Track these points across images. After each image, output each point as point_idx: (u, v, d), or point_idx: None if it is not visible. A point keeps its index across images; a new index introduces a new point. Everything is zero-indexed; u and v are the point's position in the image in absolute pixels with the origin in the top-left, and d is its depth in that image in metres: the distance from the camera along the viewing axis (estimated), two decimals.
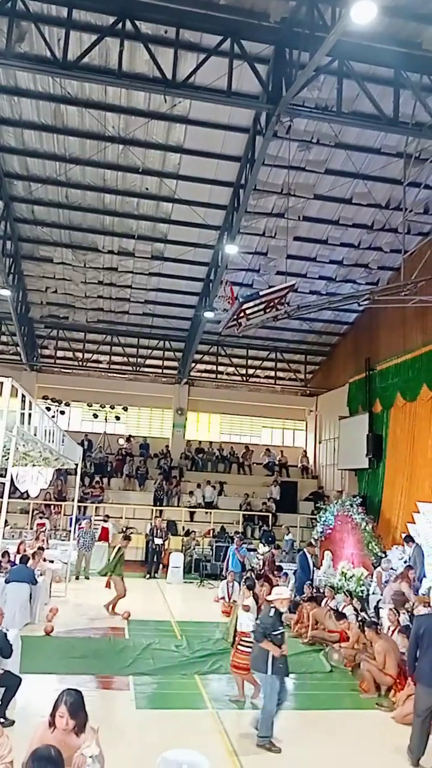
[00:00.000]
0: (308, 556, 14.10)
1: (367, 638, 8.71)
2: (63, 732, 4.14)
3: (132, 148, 13.32)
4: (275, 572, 13.57)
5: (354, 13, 7.62)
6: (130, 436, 23.60)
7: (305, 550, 14.25)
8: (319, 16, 8.76)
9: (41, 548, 13.33)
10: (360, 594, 12.00)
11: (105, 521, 18.61)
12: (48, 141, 13.47)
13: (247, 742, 6.45)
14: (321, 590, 12.57)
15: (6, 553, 11.92)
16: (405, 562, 12.34)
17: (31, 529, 18.03)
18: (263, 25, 10.14)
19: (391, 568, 12.33)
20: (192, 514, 20.94)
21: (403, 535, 13.55)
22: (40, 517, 18.74)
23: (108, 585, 12.85)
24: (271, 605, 6.89)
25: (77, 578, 15.69)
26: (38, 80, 11.87)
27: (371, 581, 12.25)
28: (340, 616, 10.39)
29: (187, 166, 13.85)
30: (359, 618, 10.17)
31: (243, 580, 13.38)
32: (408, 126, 11.07)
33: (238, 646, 7.71)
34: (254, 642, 6.90)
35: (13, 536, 16.51)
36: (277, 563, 14.96)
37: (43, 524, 18.11)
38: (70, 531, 16.69)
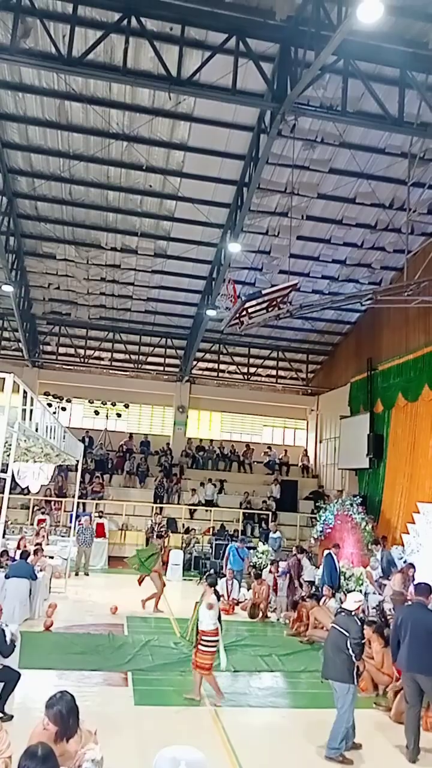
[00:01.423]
0: (335, 558, 13.14)
1: (366, 637, 8.70)
2: (51, 734, 4.12)
3: (136, 145, 13.32)
4: (300, 579, 13.07)
5: (360, 12, 7.60)
6: (131, 434, 23.62)
7: (332, 551, 13.28)
8: (326, 15, 8.74)
9: (40, 545, 13.37)
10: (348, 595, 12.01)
11: (100, 517, 18.65)
12: (52, 137, 13.47)
13: (244, 739, 6.47)
14: (320, 589, 12.60)
15: (5, 552, 11.94)
16: (404, 561, 12.37)
17: (32, 525, 18.06)
18: (269, 24, 10.12)
19: (382, 568, 12.36)
20: (192, 511, 20.97)
21: (381, 537, 13.69)
22: (41, 513, 18.78)
23: (141, 582, 12.85)
24: (352, 613, 6.71)
25: (77, 574, 15.72)
26: (43, 76, 11.86)
27: None
28: None
29: (191, 164, 13.84)
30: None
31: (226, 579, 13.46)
32: (413, 126, 11.05)
33: (200, 646, 7.49)
34: (330, 649, 6.53)
35: (13, 532, 16.54)
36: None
37: (44, 520, 18.15)
38: (70, 527, 16.73)
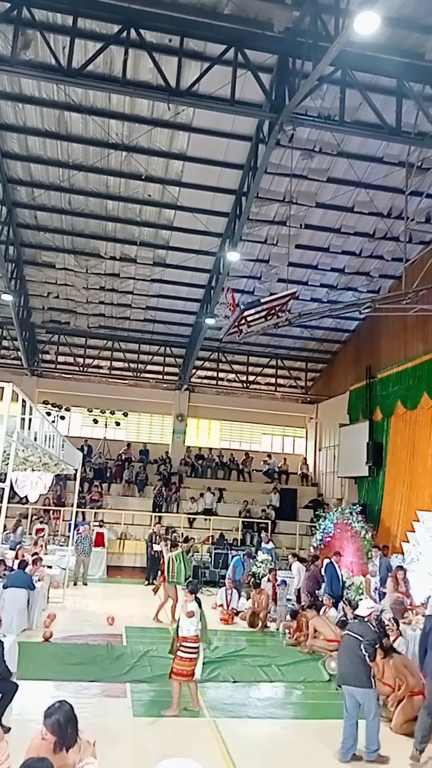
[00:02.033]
0: (336, 566, 13.06)
1: None
2: (50, 744, 4.09)
3: (135, 155, 13.39)
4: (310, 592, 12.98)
5: (357, 23, 7.66)
6: (129, 443, 23.58)
7: (333, 560, 13.20)
8: (323, 27, 8.82)
9: (38, 554, 13.30)
10: (358, 603, 11.94)
11: (100, 526, 18.58)
12: (52, 147, 13.54)
13: (244, 751, 6.41)
14: (320, 598, 12.54)
15: (2, 562, 11.89)
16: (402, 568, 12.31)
17: (30, 534, 17.97)
18: (267, 35, 10.21)
19: (380, 577, 12.32)
20: (192, 520, 20.90)
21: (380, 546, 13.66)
22: (40, 522, 18.70)
23: (156, 591, 12.78)
24: (365, 619, 6.80)
25: (75, 584, 15.64)
26: (43, 87, 11.94)
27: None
28: (344, 625, 10.30)
29: (190, 174, 13.91)
30: None
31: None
32: (410, 135, 11.13)
33: (179, 652, 7.42)
34: (346, 656, 6.59)
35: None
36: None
37: (42, 529, 18.07)
38: (68, 536, 16.66)
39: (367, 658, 6.42)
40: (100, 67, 10.92)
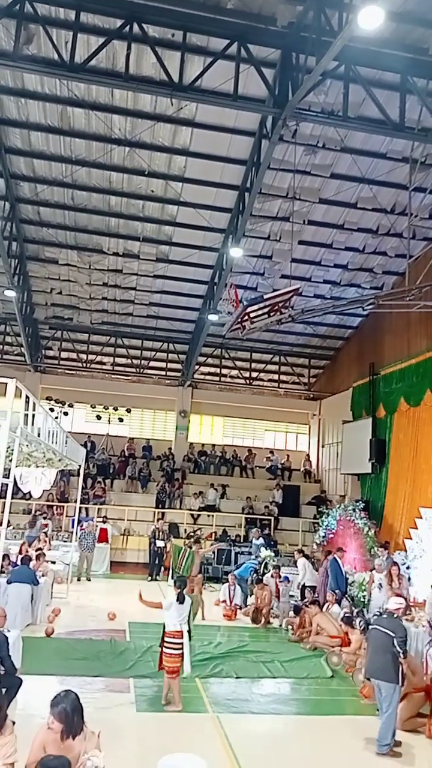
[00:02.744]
0: (340, 562, 13.06)
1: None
2: (57, 734, 4.14)
3: (138, 150, 13.36)
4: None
5: (361, 18, 7.62)
6: (132, 439, 23.60)
7: (336, 556, 13.18)
8: (326, 21, 8.77)
9: (41, 550, 13.35)
10: (362, 599, 11.96)
11: (104, 522, 18.63)
12: (54, 143, 13.52)
13: (247, 746, 6.43)
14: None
15: (6, 556, 11.92)
16: (406, 567, 12.31)
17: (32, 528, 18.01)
18: (270, 30, 10.16)
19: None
20: (196, 516, 20.91)
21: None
22: (43, 518, 18.75)
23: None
24: (394, 615, 6.91)
25: (79, 579, 15.69)
26: (45, 82, 11.92)
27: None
28: (349, 621, 10.32)
29: (193, 169, 13.87)
30: (361, 622, 10.13)
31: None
32: (414, 131, 11.06)
33: (163, 647, 7.44)
34: (375, 650, 6.67)
35: (15, 537, 16.52)
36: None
37: (46, 525, 18.12)
38: (72, 532, 16.71)
39: (400, 655, 6.51)
40: (103, 62, 10.88)
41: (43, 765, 3.43)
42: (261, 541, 17.37)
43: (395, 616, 6.92)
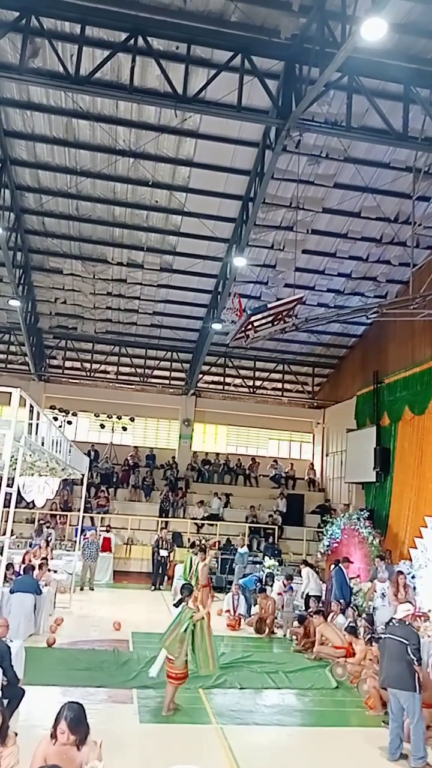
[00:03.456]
0: (345, 572, 13.01)
1: (374, 654, 8.61)
2: (64, 745, 4.14)
3: (142, 161, 13.45)
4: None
5: (364, 30, 7.68)
6: (136, 448, 23.60)
7: (341, 566, 13.15)
8: (330, 33, 8.84)
9: (45, 559, 13.31)
10: (366, 609, 11.88)
11: (107, 531, 18.59)
12: (59, 154, 13.63)
13: (250, 758, 6.38)
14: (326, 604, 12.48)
15: (10, 565, 11.90)
16: (412, 576, 12.24)
17: (38, 536, 18.00)
18: (274, 42, 10.25)
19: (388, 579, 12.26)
20: (200, 525, 20.84)
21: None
22: (46, 527, 18.73)
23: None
24: (406, 622, 6.89)
25: (82, 589, 15.64)
26: (51, 95, 12.04)
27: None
28: (353, 631, 10.27)
29: (197, 180, 13.96)
30: (366, 633, 10.06)
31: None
32: (417, 141, 11.12)
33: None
34: (389, 659, 6.67)
35: (18, 546, 16.50)
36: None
37: (49, 534, 18.09)
38: (75, 541, 16.68)
39: (415, 662, 6.46)
40: (108, 74, 10.99)
41: None
42: (245, 549, 17.44)
43: (407, 623, 6.87)
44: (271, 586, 14.38)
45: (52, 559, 14.83)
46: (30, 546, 15.67)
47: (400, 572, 11.67)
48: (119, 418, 22.98)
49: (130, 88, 10.63)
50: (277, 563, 16.58)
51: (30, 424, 9.01)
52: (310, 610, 12.12)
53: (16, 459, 8.21)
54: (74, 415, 22.45)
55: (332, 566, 13.83)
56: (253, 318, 11.62)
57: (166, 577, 17.24)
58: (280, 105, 10.74)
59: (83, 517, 16.85)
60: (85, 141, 13.15)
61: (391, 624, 7.10)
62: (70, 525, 19.66)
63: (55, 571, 13.77)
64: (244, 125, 12.13)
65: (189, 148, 13.13)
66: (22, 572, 11.21)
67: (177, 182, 14.11)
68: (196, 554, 13.17)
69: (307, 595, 13.30)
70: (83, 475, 15.00)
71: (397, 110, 10.95)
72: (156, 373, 23.07)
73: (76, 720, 4.16)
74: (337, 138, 11.99)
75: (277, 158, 11.76)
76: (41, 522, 18.87)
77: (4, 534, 8.84)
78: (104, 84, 10.91)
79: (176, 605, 7.59)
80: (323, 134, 11.82)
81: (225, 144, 12.83)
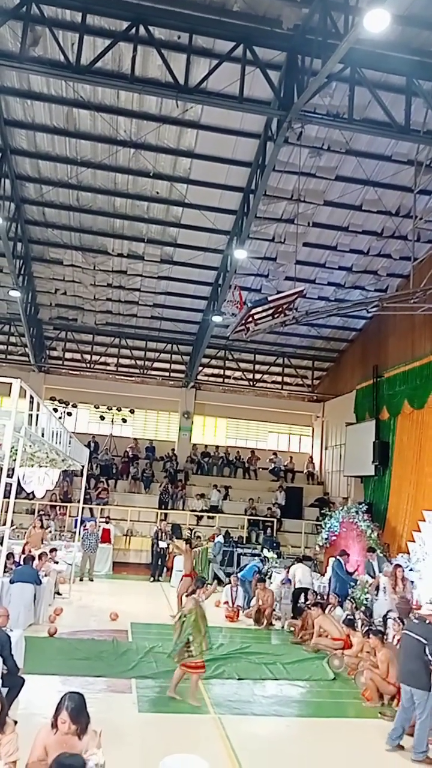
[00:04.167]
0: (344, 565, 13.10)
1: (372, 646, 8.67)
2: (65, 734, 4.17)
3: (143, 152, 13.39)
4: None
5: (367, 21, 7.62)
6: (135, 440, 23.64)
7: (340, 558, 13.22)
8: (332, 24, 8.77)
9: (54, 550, 13.37)
10: (364, 602, 11.95)
11: (106, 523, 18.64)
12: (60, 144, 13.56)
13: (248, 748, 6.43)
14: (325, 597, 12.54)
15: (10, 555, 11.95)
16: (410, 569, 12.29)
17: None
18: (276, 32, 10.18)
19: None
20: (199, 518, 20.91)
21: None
22: (46, 519, 18.79)
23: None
24: (427, 621, 6.92)
25: (81, 579, 15.71)
26: (51, 84, 11.96)
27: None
28: (351, 623, 10.32)
29: (198, 171, 13.90)
30: (363, 625, 10.13)
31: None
32: (420, 134, 11.08)
33: None
34: (406, 656, 6.72)
35: (18, 536, 16.54)
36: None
37: (49, 525, 18.14)
38: (75, 532, 16.74)
39: (431, 663, 6.48)
40: (109, 63, 10.92)
41: (59, 763, 3.45)
42: (220, 538, 17.68)
43: (427, 621, 6.90)
44: (270, 578, 14.45)
45: (44, 544, 14.76)
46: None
47: (398, 565, 11.72)
48: (119, 409, 23.01)
49: (132, 77, 10.57)
50: (275, 556, 16.63)
51: (30, 415, 9.02)
52: (308, 602, 12.15)
53: (16, 450, 8.22)
54: (74, 406, 22.47)
55: (330, 559, 13.91)
56: (253, 311, 11.60)
57: (165, 569, 17.30)
58: (281, 96, 10.68)
59: (83, 508, 16.90)
60: (86, 131, 13.08)
61: (411, 621, 7.16)
62: (69, 516, 19.72)
63: (56, 562, 13.81)
64: (246, 116, 12.07)
65: (190, 139, 13.06)
66: (22, 562, 11.25)
67: (178, 173, 14.06)
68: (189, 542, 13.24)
69: (296, 588, 13.31)
70: (83, 466, 15.03)
71: (399, 103, 10.89)
72: (156, 365, 23.07)
73: (77, 710, 4.19)
74: (338, 130, 11.93)
75: (279, 150, 11.71)
76: (41, 513, 18.90)
77: (4, 524, 8.87)
78: (105, 73, 10.84)
79: (188, 595, 7.73)
80: (325, 126, 11.76)
81: (226, 135, 12.77)
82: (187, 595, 8.00)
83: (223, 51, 10.45)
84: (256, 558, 16.26)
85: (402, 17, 9.36)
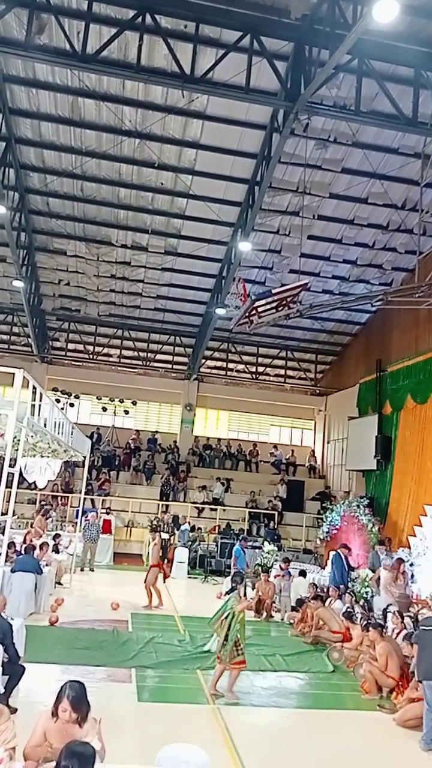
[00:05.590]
0: (343, 557, 13.15)
1: (371, 639, 8.70)
2: (65, 723, 4.19)
3: (148, 142, 13.32)
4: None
5: (376, 11, 7.56)
6: (137, 431, 23.67)
7: (340, 552, 13.24)
8: (340, 14, 8.69)
9: (57, 540, 13.41)
10: (364, 595, 11.98)
11: (108, 513, 18.70)
12: (65, 134, 13.50)
13: (247, 738, 6.47)
14: (325, 590, 12.56)
15: (12, 544, 11.99)
16: (411, 564, 12.32)
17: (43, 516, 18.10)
18: (283, 22, 10.09)
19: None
20: (200, 510, 20.96)
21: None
22: (48, 507, 18.86)
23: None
24: None
25: (82, 570, 15.79)
26: (56, 73, 11.89)
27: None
28: (350, 616, 10.34)
29: (203, 162, 13.83)
30: (362, 618, 10.15)
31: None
32: (427, 126, 10.99)
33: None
34: (426, 651, 6.75)
35: (19, 526, 16.63)
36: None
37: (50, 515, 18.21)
38: (76, 523, 16.80)
39: None
40: (115, 52, 10.84)
41: (70, 751, 3.47)
42: (186, 526, 17.94)
43: None
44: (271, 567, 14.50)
45: (44, 533, 14.80)
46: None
47: (401, 559, 11.73)
48: (121, 401, 23.03)
49: (137, 67, 10.50)
50: (276, 548, 16.66)
51: (32, 406, 9.02)
52: (307, 595, 12.20)
53: (19, 440, 8.23)
54: (77, 397, 22.51)
55: (331, 553, 13.94)
56: (257, 303, 11.57)
57: (166, 560, 17.35)
58: (288, 87, 10.60)
59: (84, 499, 16.95)
60: (91, 120, 13.01)
61: (428, 617, 7.16)
62: (71, 506, 19.79)
63: (58, 552, 13.87)
64: (252, 107, 11.98)
65: (195, 130, 12.98)
66: (23, 552, 11.29)
67: (183, 164, 13.99)
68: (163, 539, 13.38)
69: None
70: (85, 457, 15.07)
71: (407, 95, 10.80)
72: (159, 357, 23.05)
73: (78, 699, 4.21)
74: (345, 122, 11.86)
75: (285, 142, 11.64)
76: (43, 503, 18.97)
77: (6, 514, 8.90)
78: (111, 62, 10.76)
79: (227, 593, 7.78)
80: (332, 118, 11.68)
81: (232, 126, 12.69)
82: (227, 593, 8.10)
83: (230, 41, 10.37)
84: (257, 551, 16.24)
85: (411, 7, 9.26)
